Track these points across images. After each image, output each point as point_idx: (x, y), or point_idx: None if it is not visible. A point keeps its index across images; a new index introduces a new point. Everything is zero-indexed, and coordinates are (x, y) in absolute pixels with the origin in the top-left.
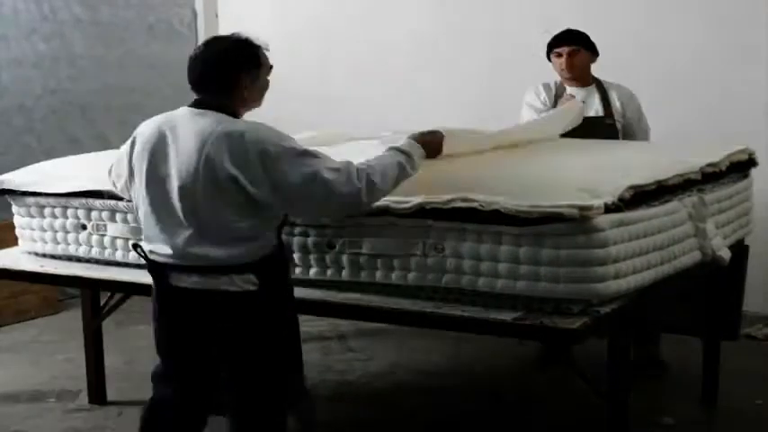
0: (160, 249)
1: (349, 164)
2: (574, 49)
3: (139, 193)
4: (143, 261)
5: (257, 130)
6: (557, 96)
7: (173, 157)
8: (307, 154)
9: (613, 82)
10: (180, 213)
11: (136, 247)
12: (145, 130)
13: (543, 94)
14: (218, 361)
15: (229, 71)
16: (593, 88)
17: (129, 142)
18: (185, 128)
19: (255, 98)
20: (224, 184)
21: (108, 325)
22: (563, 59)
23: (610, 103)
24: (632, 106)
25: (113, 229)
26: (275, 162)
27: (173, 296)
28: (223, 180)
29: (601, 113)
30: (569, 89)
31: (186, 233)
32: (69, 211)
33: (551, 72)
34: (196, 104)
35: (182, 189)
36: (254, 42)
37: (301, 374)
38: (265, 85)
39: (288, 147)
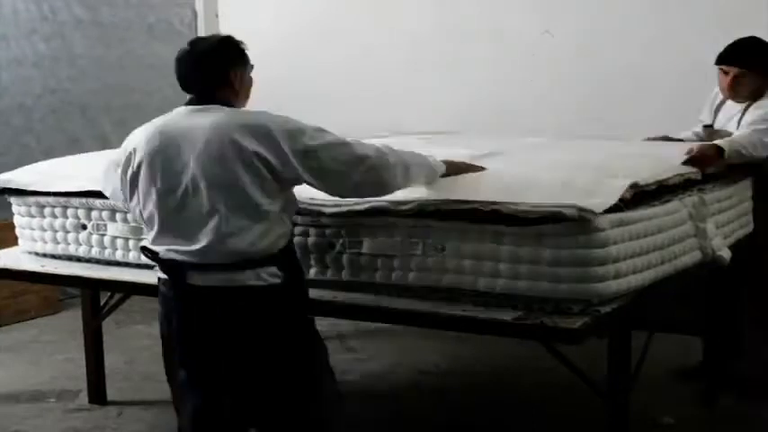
0: (180, 247)
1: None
2: (741, 72)
3: (150, 196)
4: (144, 261)
5: (274, 114)
6: (717, 108)
7: (188, 151)
8: (326, 129)
9: None
10: (206, 204)
11: (144, 249)
12: (143, 138)
13: (709, 103)
14: (244, 363)
15: (220, 67)
16: (747, 104)
17: (124, 155)
18: (196, 122)
19: (246, 94)
20: (252, 164)
21: (108, 325)
22: (727, 78)
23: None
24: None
25: (113, 228)
26: (302, 137)
27: (192, 296)
28: (250, 159)
29: (734, 130)
30: (728, 102)
31: (212, 225)
32: (69, 211)
33: (550, 72)
34: (194, 103)
35: (210, 178)
36: (238, 40)
37: (328, 367)
38: (251, 83)
39: (308, 124)
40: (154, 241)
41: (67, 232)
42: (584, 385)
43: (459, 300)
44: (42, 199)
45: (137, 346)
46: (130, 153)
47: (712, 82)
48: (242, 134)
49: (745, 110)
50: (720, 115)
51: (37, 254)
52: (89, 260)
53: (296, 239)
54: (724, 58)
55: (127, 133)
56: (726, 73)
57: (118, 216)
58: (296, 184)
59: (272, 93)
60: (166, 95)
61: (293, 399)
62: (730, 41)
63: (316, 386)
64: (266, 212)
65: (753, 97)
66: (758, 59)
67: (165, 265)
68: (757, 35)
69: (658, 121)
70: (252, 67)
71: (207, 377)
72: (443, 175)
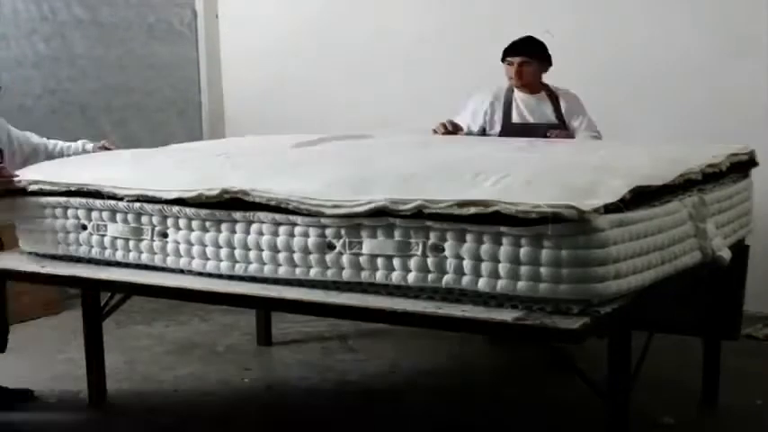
0: None
1: None
2: (525, 60)
3: None
4: (144, 261)
5: None
6: (506, 104)
7: None
8: None
9: (561, 88)
10: None
11: None
12: None
13: (487, 105)
14: None
15: None
16: (543, 95)
17: None
18: None
19: None
20: None
21: (108, 325)
22: (513, 68)
23: (560, 110)
24: (575, 110)
25: (113, 229)
26: None
27: None
28: None
29: (554, 120)
30: (518, 94)
31: None
32: (69, 212)
33: (550, 71)
34: None
35: None
36: None
37: None
38: None
39: None
40: None
41: (67, 232)
42: (584, 385)
43: (460, 300)
44: (42, 199)
45: (137, 346)
46: None
47: (712, 81)
48: None
49: (554, 102)
50: (516, 113)
51: (37, 254)
52: (89, 260)
53: (296, 239)
54: (511, 51)
55: (127, 133)
56: (511, 64)
57: (118, 216)
58: None
59: (272, 92)
60: (166, 95)
61: None
62: (730, 40)
63: None
64: None
65: (536, 86)
66: (538, 50)
67: None
68: (757, 35)
69: (658, 120)
70: None
71: None
72: None
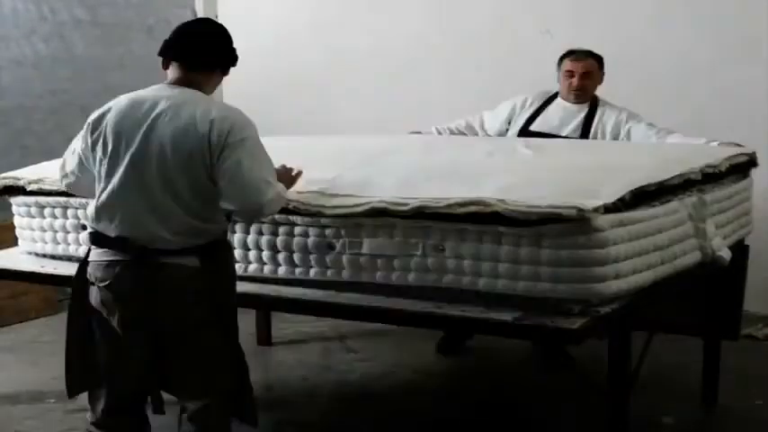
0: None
1: None
2: (594, 65)
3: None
4: None
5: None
6: (535, 114)
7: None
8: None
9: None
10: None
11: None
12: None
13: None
14: None
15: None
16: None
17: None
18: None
19: None
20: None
21: None
22: (578, 75)
23: (591, 125)
24: (625, 127)
25: None
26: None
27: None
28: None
29: (578, 135)
30: (555, 106)
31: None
32: (69, 212)
33: (550, 71)
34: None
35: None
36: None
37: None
38: None
39: None
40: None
41: (67, 232)
42: (584, 385)
43: (459, 300)
44: (42, 199)
45: None
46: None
47: (712, 82)
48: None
49: (591, 114)
50: (541, 120)
51: (37, 254)
52: None
53: (295, 239)
54: (581, 51)
55: None
56: (572, 73)
57: None
58: None
59: (272, 92)
60: None
61: None
62: (730, 41)
63: None
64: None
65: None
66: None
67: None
68: (757, 34)
69: (658, 120)
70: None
71: None
72: None
